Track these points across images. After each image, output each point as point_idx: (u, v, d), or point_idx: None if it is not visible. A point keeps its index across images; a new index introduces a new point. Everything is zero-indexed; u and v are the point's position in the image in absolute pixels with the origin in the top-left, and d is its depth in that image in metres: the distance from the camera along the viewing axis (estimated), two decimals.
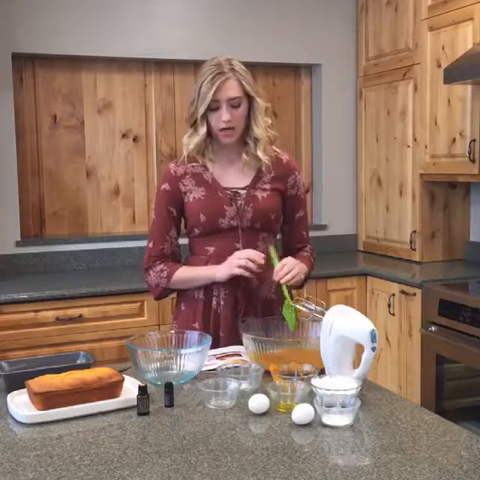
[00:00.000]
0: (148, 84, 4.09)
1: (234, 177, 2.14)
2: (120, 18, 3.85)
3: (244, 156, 2.12)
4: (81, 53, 3.81)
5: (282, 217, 2.19)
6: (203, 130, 2.07)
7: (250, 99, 2.08)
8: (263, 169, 2.14)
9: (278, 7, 4.17)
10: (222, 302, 2.11)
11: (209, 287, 2.12)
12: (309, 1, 4.25)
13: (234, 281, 2.07)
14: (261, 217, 2.10)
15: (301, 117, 4.48)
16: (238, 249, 2.09)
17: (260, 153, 2.11)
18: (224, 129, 2.05)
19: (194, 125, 2.09)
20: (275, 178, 2.15)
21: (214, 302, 2.12)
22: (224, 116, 2.03)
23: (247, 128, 2.11)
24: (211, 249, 2.12)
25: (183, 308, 2.19)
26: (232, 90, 2.03)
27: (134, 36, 3.88)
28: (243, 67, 2.08)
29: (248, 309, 2.11)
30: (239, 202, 2.10)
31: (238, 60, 2.10)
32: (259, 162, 2.14)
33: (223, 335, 2.10)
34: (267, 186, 2.13)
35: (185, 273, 2.12)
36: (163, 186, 2.15)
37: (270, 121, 2.17)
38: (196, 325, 2.12)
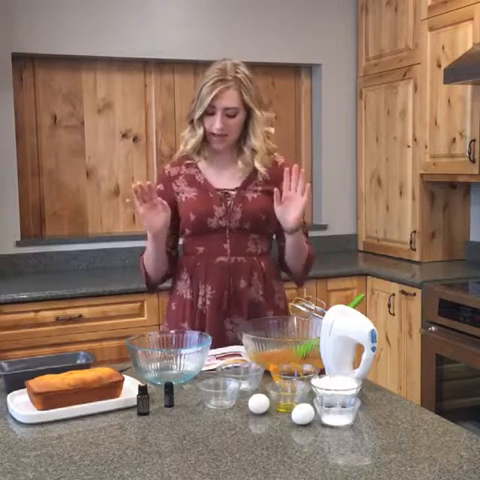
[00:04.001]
0: (148, 84, 4.09)
1: (226, 179, 2.15)
2: (120, 18, 3.85)
3: (240, 163, 2.13)
4: (81, 53, 3.82)
5: (276, 219, 2.15)
6: (200, 132, 2.10)
7: (249, 110, 2.09)
8: (257, 175, 2.13)
9: (278, 7, 4.17)
10: (208, 302, 2.11)
11: (196, 287, 2.13)
12: (309, 1, 4.25)
13: (221, 282, 2.09)
14: (250, 218, 2.10)
15: (301, 117, 4.48)
16: (225, 250, 2.11)
17: (257, 164, 2.12)
18: (216, 135, 2.08)
19: (192, 124, 2.13)
20: (268, 180, 2.14)
21: (200, 302, 2.13)
22: (217, 124, 2.05)
23: (244, 137, 2.12)
24: (200, 249, 2.13)
25: (173, 308, 2.20)
26: (229, 100, 2.04)
27: (134, 36, 3.88)
28: (249, 75, 2.08)
29: (234, 310, 2.11)
30: (229, 202, 2.11)
31: (244, 65, 2.09)
32: (254, 169, 2.14)
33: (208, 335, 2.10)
34: (259, 188, 2.13)
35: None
36: (158, 186, 2.17)
37: (273, 130, 2.17)
38: (185, 325, 2.14)
